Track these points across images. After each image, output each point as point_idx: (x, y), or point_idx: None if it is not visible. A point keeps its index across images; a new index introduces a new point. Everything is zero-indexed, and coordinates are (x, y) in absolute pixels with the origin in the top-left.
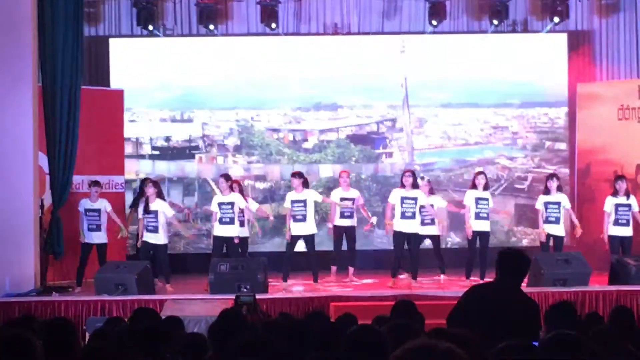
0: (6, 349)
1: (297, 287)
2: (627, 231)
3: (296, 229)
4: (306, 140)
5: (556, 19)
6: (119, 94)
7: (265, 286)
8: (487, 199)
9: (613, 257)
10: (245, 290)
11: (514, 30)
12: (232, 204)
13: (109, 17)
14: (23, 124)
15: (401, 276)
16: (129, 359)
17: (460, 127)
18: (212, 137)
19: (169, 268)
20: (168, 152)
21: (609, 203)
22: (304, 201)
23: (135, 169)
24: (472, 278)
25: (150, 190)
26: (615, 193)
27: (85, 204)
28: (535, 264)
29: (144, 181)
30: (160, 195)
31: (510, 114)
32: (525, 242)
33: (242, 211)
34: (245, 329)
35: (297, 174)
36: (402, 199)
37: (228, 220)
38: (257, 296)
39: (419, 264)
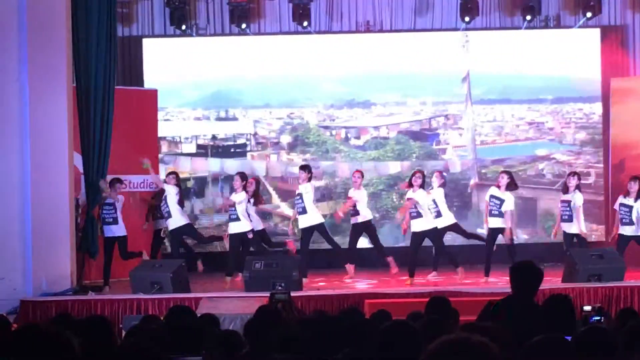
0: (45, 348)
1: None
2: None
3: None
4: (358, 137)
5: (589, 14)
6: (153, 93)
7: (300, 284)
8: (502, 199)
9: None
10: (280, 287)
11: (546, 26)
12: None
13: (142, 17)
14: (58, 124)
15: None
16: (166, 357)
17: (496, 123)
18: (263, 135)
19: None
20: (215, 151)
21: (617, 202)
22: (300, 195)
23: (195, 167)
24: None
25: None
26: (626, 194)
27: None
28: (569, 259)
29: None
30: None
31: (544, 109)
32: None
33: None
34: (281, 326)
35: (302, 167)
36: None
37: (235, 217)
38: (292, 294)
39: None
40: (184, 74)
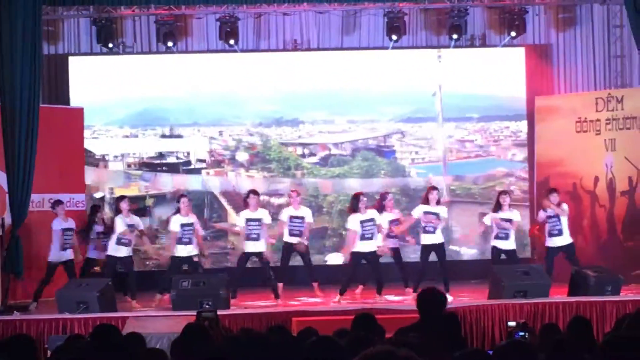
0: None
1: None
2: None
3: (250, 247)
4: (314, 154)
5: (513, 33)
6: (79, 111)
7: (227, 302)
8: (436, 214)
9: (573, 268)
10: (207, 306)
11: (472, 45)
12: (192, 224)
13: (68, 35)
14: None
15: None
16: None
17: (431, 140)
18: (218, 151)
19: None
20: (160, 168)
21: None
22: (259, 220)
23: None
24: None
25: (124, 206)
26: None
27: (60, 223)
28: (494, 276)
29: (120, 198)
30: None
31: (472, 127)
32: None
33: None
34: (208, 344)
35: (254, 192)
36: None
37: (187, 240)
38: (219, 312)
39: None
40: (110, 92)
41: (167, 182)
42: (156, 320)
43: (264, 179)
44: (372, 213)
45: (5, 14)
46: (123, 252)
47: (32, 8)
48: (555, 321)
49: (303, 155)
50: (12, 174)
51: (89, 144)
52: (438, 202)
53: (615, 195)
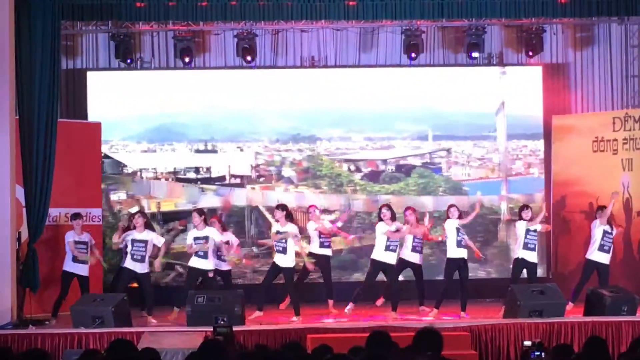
0: None
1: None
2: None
3: (277, 260)
4: (360, 170)
5: (531, 52)
6: (97, 126)
7: (242, 318)
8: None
9: (588, 289)
10: (222, 322)
11: (489, 64)
12: (206, 237)
13: (86, 50)
14: (1, 156)
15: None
16: None
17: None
18: (263, 167)
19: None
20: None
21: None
22: (284, 234)
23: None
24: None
25: (139, 221)
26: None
27: (72, 235)
28: (511, 295)
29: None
30: (149, 225)
31: (491, 146)
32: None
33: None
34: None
35: (281, 207)
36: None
37: (202, 254)
38: (234, 328)
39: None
40: (128, 107)
41: (242, 196)
42: (171, 335)
43: (314, 195)
44: (398, 226)
45: (25, 29)
46: (138, 267)
47: (51, 23)
48: (571, 341)
49: (352, 171)
50: (30, 188)
51: (121, 157)
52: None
53: (631, 215)
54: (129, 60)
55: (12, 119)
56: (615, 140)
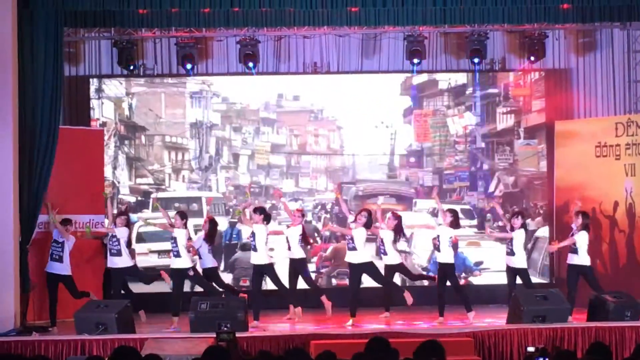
0: None
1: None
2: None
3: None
4: None
5: (532, 58)
6: (99, 133)
7: (245, 324)
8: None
9: (591, 294)
10: (225, 328)
11: (492, 69)
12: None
13: (89, 57)
14: (4, 162)
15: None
16: None
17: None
18: None
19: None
20: None
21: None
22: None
23: None
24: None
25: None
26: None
27: (55, 235)
28: (514, 300)
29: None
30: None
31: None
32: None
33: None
34: None
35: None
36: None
37: (176, 253)
38: (237, 334)
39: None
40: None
41: None
42: (174, 342)
43: None
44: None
45: (27, 35)
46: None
47: (53, 30)
48: (574, 347)
49: None
50: (26, 190)
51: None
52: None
53: (635, 220)
54: (131, 67)
55: (15, 124)
56: (618, 145)
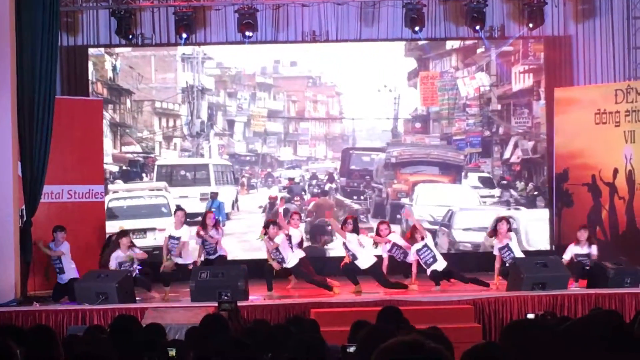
0: None
1: None
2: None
3: None
4: None
5: (531, 25)
6: (98, 103)
7: (246, 293)
8: None
9: (591, 262)
10: (226, 297)
11: (491, 37)
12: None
13: (87, 27)
14: (3, 133)
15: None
16: None
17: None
18: None
19: None
20: None
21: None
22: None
23: None
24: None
25: (125, 241)
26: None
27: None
28: (514, 268)
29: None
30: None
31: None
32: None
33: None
34: (225, 333)
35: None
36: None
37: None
38: (239, 303)
39: None
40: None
41: None
42: (175, 311)
43: None
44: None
45: (24, 5)
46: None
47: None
48: (574, 313)
49: None
50: (28, 163)
51: None
52: None
53: (634, 187)
54: (129, 37)
55: (13, 95)
56: (618, 112)
